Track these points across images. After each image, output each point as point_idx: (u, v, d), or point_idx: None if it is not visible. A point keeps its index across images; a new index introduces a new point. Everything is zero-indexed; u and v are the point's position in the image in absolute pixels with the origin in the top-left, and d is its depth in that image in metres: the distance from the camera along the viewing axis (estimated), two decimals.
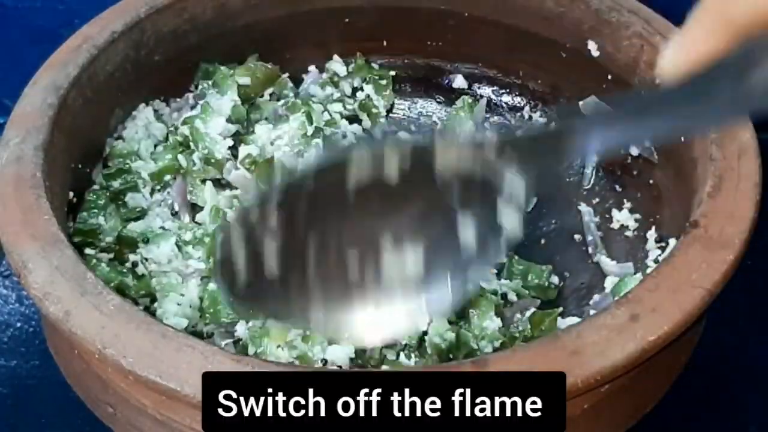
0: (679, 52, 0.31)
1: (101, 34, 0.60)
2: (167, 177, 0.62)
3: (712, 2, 0.31)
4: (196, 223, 0.61)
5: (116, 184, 0.60)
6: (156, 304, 0.55)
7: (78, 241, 0.55)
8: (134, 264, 0.57)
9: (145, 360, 0.42)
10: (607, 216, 0.63)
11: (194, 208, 0.62)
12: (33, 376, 0.59)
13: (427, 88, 0.72)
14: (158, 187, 0.62)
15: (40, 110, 0.54)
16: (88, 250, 0.56)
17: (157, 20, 0.62)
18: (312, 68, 0.70)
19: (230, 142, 0.62)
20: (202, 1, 0.64)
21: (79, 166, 0.58)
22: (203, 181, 0.62)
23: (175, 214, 0.62)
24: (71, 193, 0.57)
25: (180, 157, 0.62)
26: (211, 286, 0.56)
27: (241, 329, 0.54)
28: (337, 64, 0.70)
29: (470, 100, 0.69)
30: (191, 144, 0.62)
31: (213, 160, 0.61)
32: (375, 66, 0.71)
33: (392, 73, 0.70)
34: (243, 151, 0.61)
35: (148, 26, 0.62)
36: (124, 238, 0.58)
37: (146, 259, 0.58)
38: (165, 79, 0.65)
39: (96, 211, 0.58)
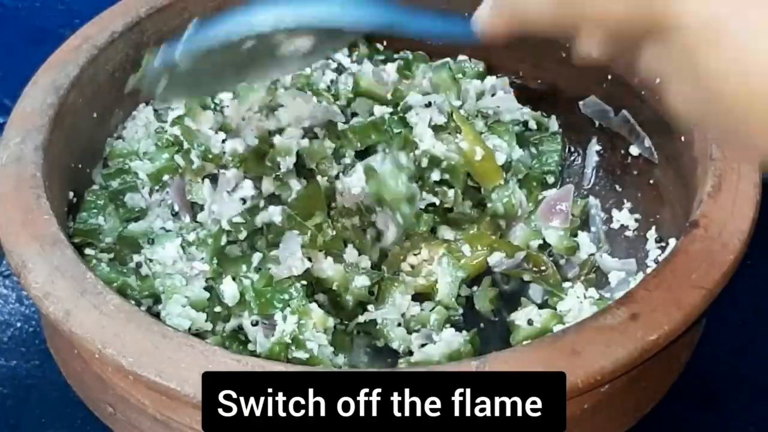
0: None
1: (101, 34, 0.60)
2: (165, 177, 0.62)
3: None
4: (197, 222, 0.61)
5: (115, 184, 0.60)
6: (160, 306, 0.55)
7: (78, 242, 0.55)
8: (138, 265, 0.57)
9: (145, 360, 0.42)
10: (607, 216, 0.63)
11: (194, 207, 0.62)
12: (33, 376, 0.58)
13: None
14: (157, 188, 0.62)
15: (40, 110, 0.54)
16: (88, 251, 0.56)
17: (157, 20, 0.62)
18: None
19: (223, 135, 0.62)
20: (202, 1, 0.64)
21: (79, 166, 0.58)
22: (201, 179, 0.62)
23: (175, 215, 0.62)
24: (71, 193, 0.57)
25: (177, 157, 0.62)
26: (245, 282, 0.55)
27: (279, 317, 0.53)
28: (341, 56, 0.69)
29: None
30: (185, 143, 0.62)
31: (210, 156, 0.61)
32: (379, 47, 0.70)
33: None
34: (229, 146, 0.60)
35: (148, 26, 0.62)
36: (126, 238, 0.58)
37: (150, 260, 0.57)
38: None
39: (96, 211, 0.58)
